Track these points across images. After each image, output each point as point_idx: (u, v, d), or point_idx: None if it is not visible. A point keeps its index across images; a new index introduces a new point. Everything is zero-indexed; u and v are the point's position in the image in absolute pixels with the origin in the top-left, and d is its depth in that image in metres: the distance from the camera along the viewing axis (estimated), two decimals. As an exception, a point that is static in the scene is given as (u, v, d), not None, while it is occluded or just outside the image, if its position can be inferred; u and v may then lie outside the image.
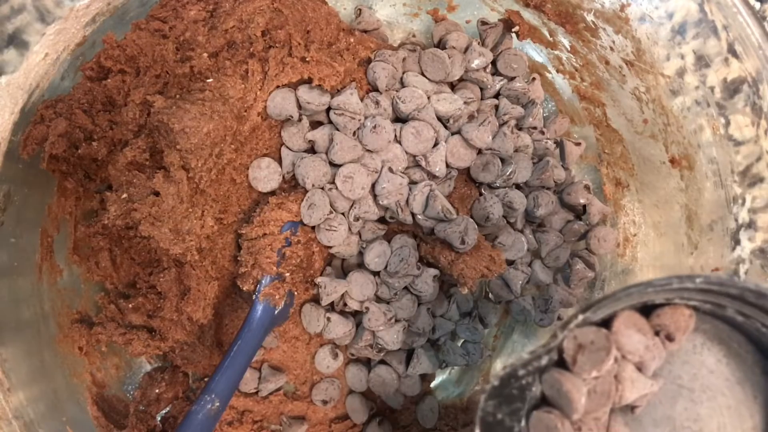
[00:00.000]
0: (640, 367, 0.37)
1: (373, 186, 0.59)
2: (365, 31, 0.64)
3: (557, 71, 0.66)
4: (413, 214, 0.61)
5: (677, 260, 0.60)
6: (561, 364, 0.37)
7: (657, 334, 0.37)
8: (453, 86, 0.65)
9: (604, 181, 0.68)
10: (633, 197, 0.66)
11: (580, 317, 0.35)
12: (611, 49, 0.58)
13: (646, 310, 0.38)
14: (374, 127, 0.58)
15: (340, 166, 0.58)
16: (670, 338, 0.37)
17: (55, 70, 0.52)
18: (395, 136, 0.59)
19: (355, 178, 0.58)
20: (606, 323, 0.37)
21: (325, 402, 0.66)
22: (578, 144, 0.66)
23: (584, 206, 0.66)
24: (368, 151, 0.59)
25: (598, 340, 0.36)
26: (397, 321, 0.63)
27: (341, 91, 0.59)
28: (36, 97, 0.52)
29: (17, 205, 0.53)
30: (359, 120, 0.58)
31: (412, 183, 0.60)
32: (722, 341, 0.40)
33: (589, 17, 0.57)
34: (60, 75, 0.53)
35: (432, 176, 0.61)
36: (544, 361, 0.35)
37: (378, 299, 0.63)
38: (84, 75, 0.54)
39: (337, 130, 0.59)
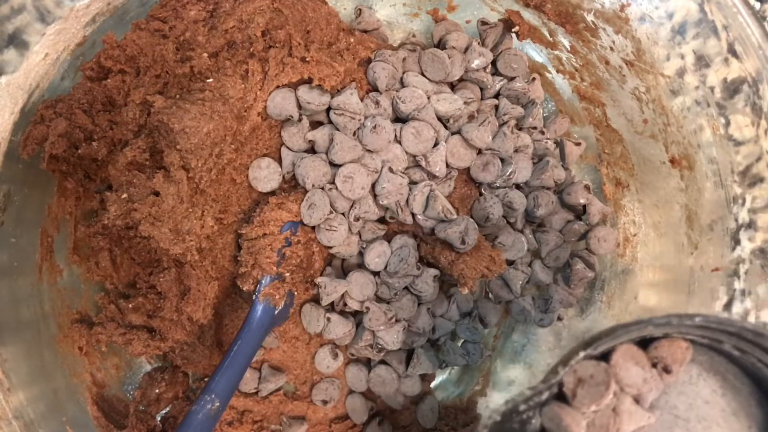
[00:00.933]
0: (637, 399, 0.38)
1: (373, 186, 0.59)
2: (365, 31, 0.64)
3: (557, 71, 0.66)
4: (413, 214, 0.61)
5: (677, 260, 0.60)
6: (561, 397, 0.37)
7: (654, 365, 0.38)
8: (453, 86, 0.65)
9: (604, 181, 0.68)
10: (633, 197, 0.66)
11: (581, 354, 0.36)
12: (611, 49, 0.58)
13: (644, 342, 0.39)
14: (374, 127, 0.58)
15: (340, 166, 0.58)
16: (667, 370, 0.38)
17: (55, 70, 0.52)
18: (395, 136, 0.59)
19: (355, 178, 0.58)
20: (605, 355, 0.38)
21: (325, 402, 0.66)
22: (578, 144, 0.66)
23: (584, 206, 0.66)
24: (368, 151, 0.59)
25: (598, 374, 0.36)
26: (397, 321, 0.63)
27: (341, 91, 0.59)
28: (36, 97, 0.52)
29: (17, 205, 0.53)
30: (359, 120, 0.58)
31: (412, 183, 0.60)
32: (718, 372, 0.40)
33: (589, 17, 0.57)
34: (60, 75, 0.53)
35: (432, 176, 0.61)
36: (545, 395, 0.36)
37: (378, 299, 0.63)
38: (84, 75, 0.54)
39: (337, 130, 0.59)
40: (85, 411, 0.58)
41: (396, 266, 0.60)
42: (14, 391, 0.51)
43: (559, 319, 0.67)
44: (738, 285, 0.54)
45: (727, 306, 0.55)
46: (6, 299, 0.53)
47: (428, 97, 0.60)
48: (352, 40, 0.60)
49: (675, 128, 0.56)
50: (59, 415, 0.55)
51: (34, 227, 0.56)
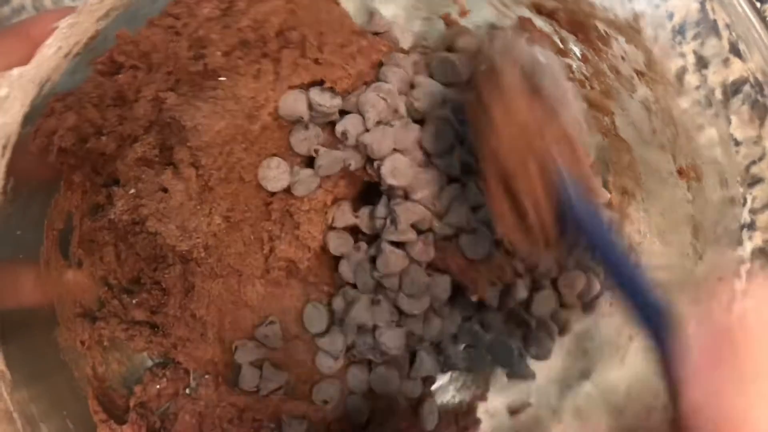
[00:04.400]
0: None
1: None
2: (376, 34, 0.64)
3: (567, 79, 0.66)
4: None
5: (682, 269, 0.61)
6: None
7: None
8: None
9: (611, 189, 0.68)
10: (639, 206, 0.66)
11: None
12: (622, 58, 0.58)
13: None
14: (386, 128, 0.58)
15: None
16: None
17: (67, 63, 0.52)
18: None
19: None
20: None
21: (325, 402, 0.66)
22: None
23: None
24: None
25: None
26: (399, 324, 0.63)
27: (353, 94, 0.59)
28: (47, 90, 0.51)
29: (24, 197, 0.53)
30: (371, 122, 0.58)
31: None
32: None
33: (602, 27, 0.58)
34: (72, 69, 0.52)
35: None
36: None
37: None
38: (95, 69, 0.53)
39: (348, 131, 0.59)
40: (86, 405, 0.58)
41: (401, 268, 0.60)
42: (17, 386, 0.51)
43: (560, 332, 0.68)
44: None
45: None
46: (10, 293, 0.53)
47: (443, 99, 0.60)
48: (364, 42, 0.59)
49: (684, 139, 0.57)
50: (60, 409, 0.55)
51: (40, 220, 0.56)
